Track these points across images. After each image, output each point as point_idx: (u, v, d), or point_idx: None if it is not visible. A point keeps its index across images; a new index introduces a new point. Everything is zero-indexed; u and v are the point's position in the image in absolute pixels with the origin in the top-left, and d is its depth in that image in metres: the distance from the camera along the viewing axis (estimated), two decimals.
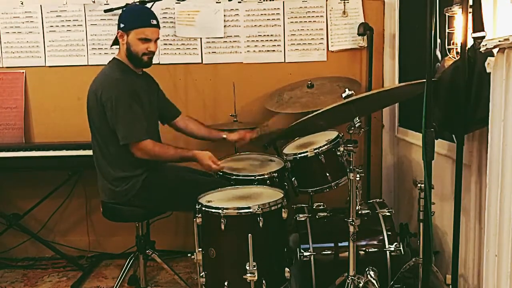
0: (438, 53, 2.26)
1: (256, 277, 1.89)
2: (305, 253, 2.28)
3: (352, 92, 1.93)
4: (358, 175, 2.00)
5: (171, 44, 3.17)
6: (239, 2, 3.14)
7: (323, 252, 2.30)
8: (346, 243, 2.10)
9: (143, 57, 2.37)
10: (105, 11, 3.04)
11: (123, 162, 2.35)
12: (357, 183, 2.01)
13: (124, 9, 2.50)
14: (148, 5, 2.80)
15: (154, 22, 2.37)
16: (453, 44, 2.10)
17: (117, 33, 2.37)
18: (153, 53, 2.40)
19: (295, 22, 3.15)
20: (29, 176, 3.20)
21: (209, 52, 3.18)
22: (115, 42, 2.44)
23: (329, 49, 3.16)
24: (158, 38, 2.41)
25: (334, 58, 3.16)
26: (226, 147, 2.93)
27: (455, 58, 2.05)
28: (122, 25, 2.35)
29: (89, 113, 2.39)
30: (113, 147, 2.35)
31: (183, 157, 2.39)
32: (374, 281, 2.08)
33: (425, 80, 1.73)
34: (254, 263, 1.89)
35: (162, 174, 2.43)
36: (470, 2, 1.77)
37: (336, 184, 2.40)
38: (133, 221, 2.55)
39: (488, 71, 1.57)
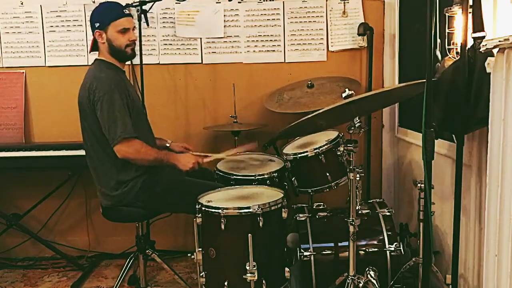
0: (438, 53, 2.25)
1: (256, 277, 1.89)
2: (305, 253, 2.28)
3: (352, 92, 1.93)
4: (358, 175, 2.00)
5: (171, 44, 3.17)
6: (239, 2, 3.14)
7: (323, 252, 2.30)
8: (346, 243, 2.11)
9: (126, 49, 2.38)
10: None
11: (122, 165, 2.32)
12: (357, 183, 2.01)
13: (93, 11, 2.45)
14: (148, 5, 2.80)
15: (127, 11, 2.38)
16: (453, 44, 2.10)
17: (94, 35, 2.36)
18: (134, 42, 2.41)
19: (295, 22, 3.15)
20: (29, 176, 3.20)
21: (209, 52, 3.18)
22: (94, 48, 2.42)
23: (329, 49, 3.16)
24: (134, 27, 2.43)
25: (334, 58, 3.16)
26: (227, 147, 2.92)
27: (455, 58, 2.05)
28: (97, 25, 2.35)
29: (83, 118, 2.36)
30: (111, 149, 2.30)
31: (163, 161, 2.33)
32: (374, 281, 2.08)
33: (425, 80, 1.73)
34: (254, 263, 1.89)
35: (160, 176, 2.40)
36: (470, 2, 1.77)
37: (336, 184, 2.40)
38: (133, 221, 2.55)
39: (488, 71, 1.57)
